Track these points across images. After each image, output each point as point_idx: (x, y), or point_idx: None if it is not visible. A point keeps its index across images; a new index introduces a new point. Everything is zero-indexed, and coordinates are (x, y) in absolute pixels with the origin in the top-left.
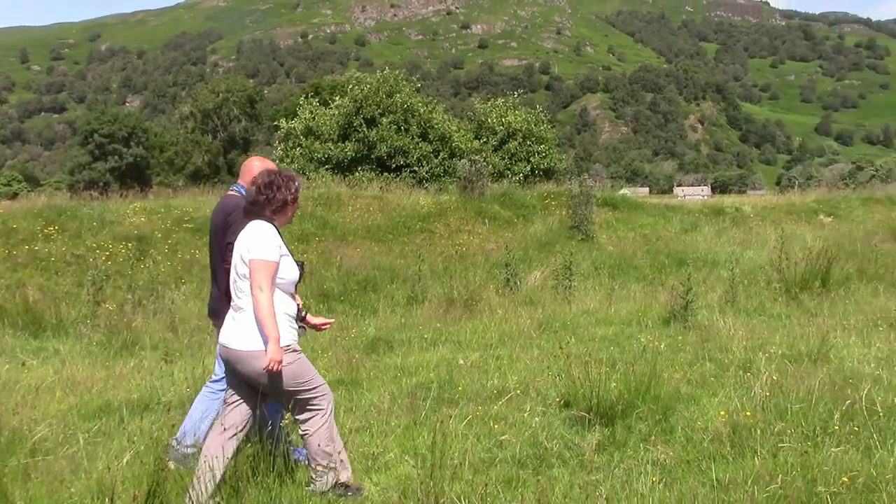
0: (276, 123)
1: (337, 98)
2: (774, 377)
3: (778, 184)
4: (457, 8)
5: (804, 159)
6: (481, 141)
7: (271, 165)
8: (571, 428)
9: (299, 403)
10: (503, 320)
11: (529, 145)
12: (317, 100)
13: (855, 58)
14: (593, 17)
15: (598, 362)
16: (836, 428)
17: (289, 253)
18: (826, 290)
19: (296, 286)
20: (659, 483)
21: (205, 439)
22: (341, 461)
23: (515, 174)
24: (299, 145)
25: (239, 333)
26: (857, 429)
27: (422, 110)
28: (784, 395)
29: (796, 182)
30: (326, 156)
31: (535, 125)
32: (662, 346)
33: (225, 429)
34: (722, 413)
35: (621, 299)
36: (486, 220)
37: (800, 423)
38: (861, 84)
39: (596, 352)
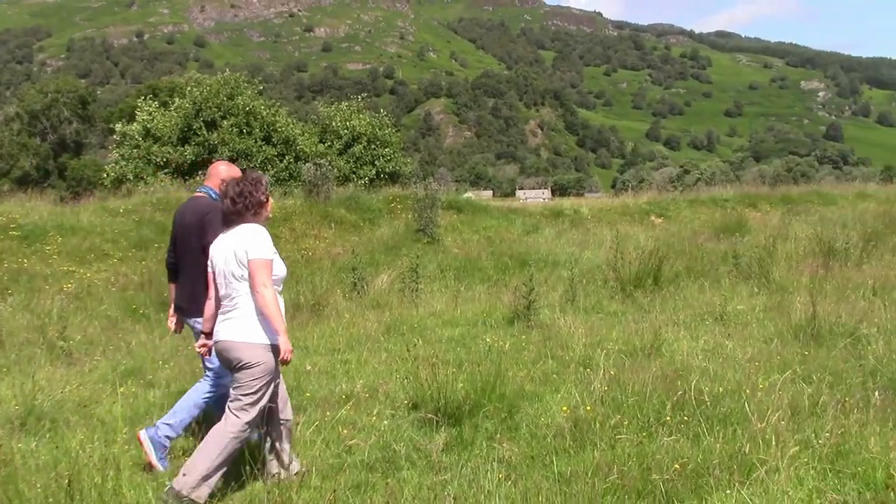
0: (111, 126)
1: (176, 99)
2: (612, 372)
3: (613, 187)
4: (299, 10)
5: (636, 163)
6: (326, 144)
7: (236, 169)
8: (420, 430)
9: (241, 400)
10: (350, 324)
11: (374, 149)
12: (155, 102)
13: (680, 67)
14: (436, 24)
15: (444, 364)
16: (669, 418)
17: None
18: (658, 287)
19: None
20: (505, 480)
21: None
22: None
23: (361, 178)
24: (136, 147)
25: (236, 327)
26: (686, 418)
27: (265, 113)
28: (621, 388)
29: (629, 185)
30: (165, 159)
31: (379, 129)
32: (507, 346)
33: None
34: (564, 409)
35: (467, 301)
36: (333, 224)
37: (636, 415)
38: (686, 92)
39: (443, 353)
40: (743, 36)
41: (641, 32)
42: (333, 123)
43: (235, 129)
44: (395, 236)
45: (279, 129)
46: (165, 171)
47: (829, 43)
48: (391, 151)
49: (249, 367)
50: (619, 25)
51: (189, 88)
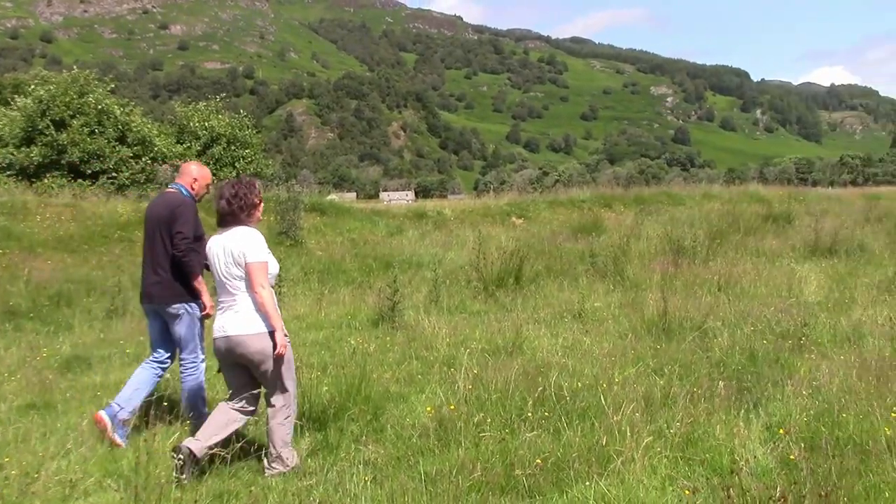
0: None
1: (19, 98)
2: (475, 371)
3: (475, 188)
4: (154, 7)
5: (497, 165)
6: (184, 145)
7: (206, 169)
8: None
9: (280, 385)
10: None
11: (234, 150)
12: None
13: (538, 72)
14: (297, 24)
15: (309, 367)
16: (531, 414)
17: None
18: (519, 286)
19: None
20: (371, 482)
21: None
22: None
23: (221, 180)
24: None
25: (240, 322)
26: (547, 413)
27: (118, 112)
28: (484, 386)
29: (491, 186)
30: (8, 161)
31: (239, 130)
32: (372, 348)
33: (230, 408)
34: (428, 409)
35: (331, 303)
36: None
37: (499, 413)
38: (544, 96)
39: (307, 357)
40: (597, 42)
41: (501, 37)
42: (191, 124)
43: (86, 129)
44: None
45: (134, 129)
46: (9, 173)
47: (676, 51)
48: (252, 153)
49: (276, 361)
50: (480, 29)
51: (34, 86)
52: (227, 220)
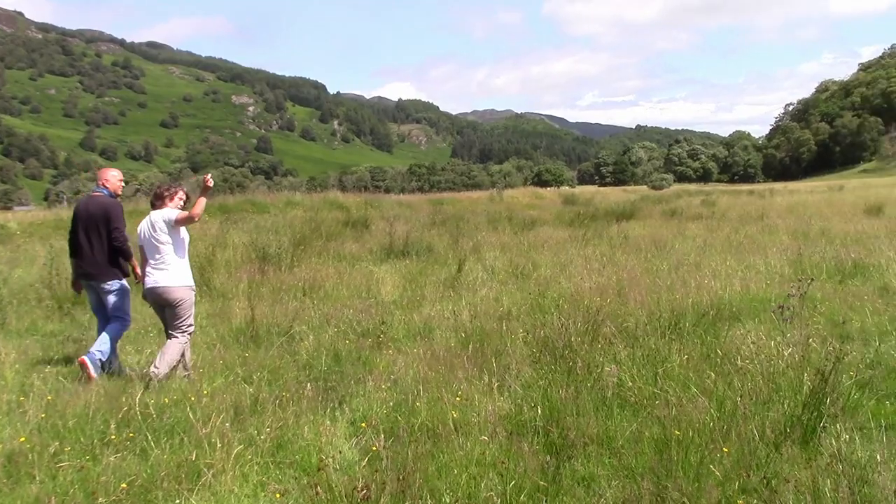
0: None
1: None
2: (49, 397)
3: (46, 199)
4: None
5: (71, 174)
6: None
7: (117, 170)
8: None
9: (181, 325)
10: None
11: None
12: None
13: (113, 76)
14: None
15: None
16: (114, 436)
17: None
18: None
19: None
20: None
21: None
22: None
23: None
24: None
25: (168, 277)
26: (133, 434)
27: None
28: (60, 413)
29: (64, 197)
30: None
31: None
32: None
33: (170, 336)
34: None
35: None
36: None
37: (78, 439)
38: (121, 101)
39: None
40: (175, 48)
41: (70, 37)
42: None
43: None
44: None
45: None
46: None
47: (256, 61)
48: None
49: (183, 303)
50: (45, 28)
51: None
52: (158, 204)
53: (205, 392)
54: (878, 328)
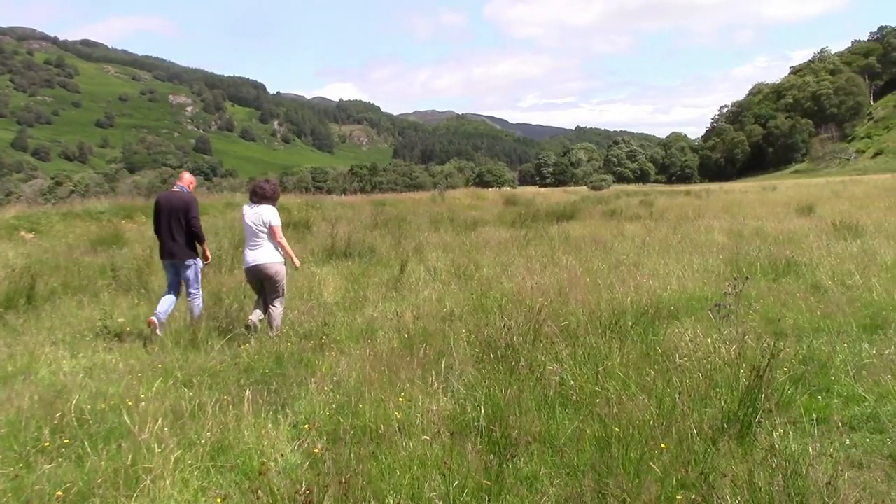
0: None
1: None
2: None
3: None
4: None
5: (2, 175)
6: None
7: (191, 176)
8: None
9: (279, 296)
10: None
11: None
12: None
13: (46, 74)
14: None
15: None
16: (49, 444)
17: None
18: (32, 306)
19: None
20: None
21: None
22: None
23: None
24: None
25: (266, 256)
26: (68, 441)
27: None
28: None
29: None
30: None
31: None
32: None
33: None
34: None
35: None
36: None
37: (11, 447)
38: (54, 101)
39: None
40: (110, 47)
41: (0, 35)
42: None
43: None
44: None
45: None
46: None
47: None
48: None
49: (278, 275)
50: None
51: None
52: (262, 200)
53: (143, 396)
54: (810, 325)
